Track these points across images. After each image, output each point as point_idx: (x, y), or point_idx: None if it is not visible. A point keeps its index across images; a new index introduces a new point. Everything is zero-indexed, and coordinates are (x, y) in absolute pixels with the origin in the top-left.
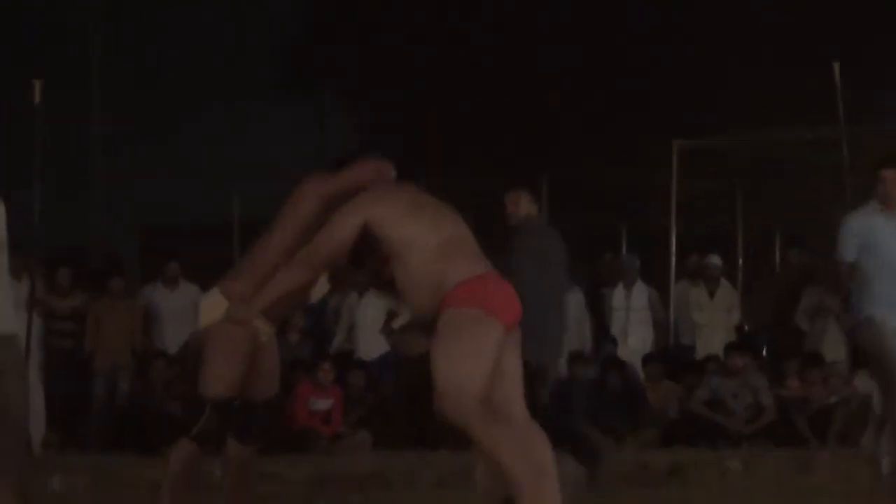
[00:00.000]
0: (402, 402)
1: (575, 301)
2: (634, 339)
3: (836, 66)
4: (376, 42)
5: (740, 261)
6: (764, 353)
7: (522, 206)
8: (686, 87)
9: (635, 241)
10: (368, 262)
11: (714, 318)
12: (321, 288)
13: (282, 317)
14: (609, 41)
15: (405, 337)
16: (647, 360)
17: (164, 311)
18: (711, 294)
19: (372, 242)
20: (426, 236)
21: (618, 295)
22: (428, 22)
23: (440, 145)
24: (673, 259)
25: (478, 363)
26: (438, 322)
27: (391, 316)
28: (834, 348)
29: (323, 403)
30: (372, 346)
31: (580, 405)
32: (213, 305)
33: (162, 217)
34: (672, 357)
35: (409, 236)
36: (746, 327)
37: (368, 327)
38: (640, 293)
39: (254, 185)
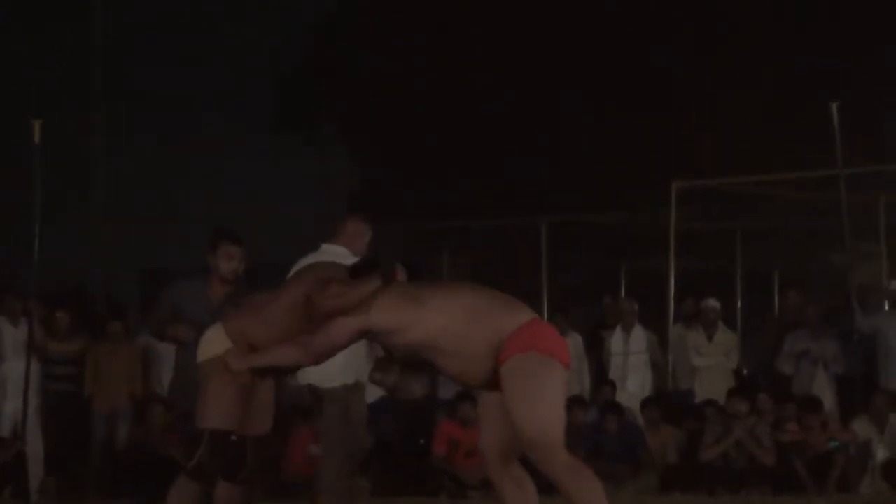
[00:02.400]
0: (401, 448)
1: (573, 344)
2: (633, 383)
3: (834, 107)
4: (375, 79)
5: (739, 303)
6: (763, 397)
7: None
8: (684, 128)
9: (634, 285)
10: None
11: (713, 362)
12: None
13: (281, 376)
14: (607, 83)
15: (402, 381)
16: (645, 404)
17: (163, 355)
18: (710, 337)
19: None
20: (449, 319)
21: (616, 339)
22: (428, 61)
23: (439, 187)
24: (671, 302)
25: (556, 408)
26: (502, 373)
27: (383, 362)
28: (823, 395)
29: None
30: (369, 390)
31: (578, 450)
32: (214, 340)
33: (162, 259)
34: (671, 401)
35: (435, 329)
36: (745, 371)
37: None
38: (639, 337)
39: (254, 227)
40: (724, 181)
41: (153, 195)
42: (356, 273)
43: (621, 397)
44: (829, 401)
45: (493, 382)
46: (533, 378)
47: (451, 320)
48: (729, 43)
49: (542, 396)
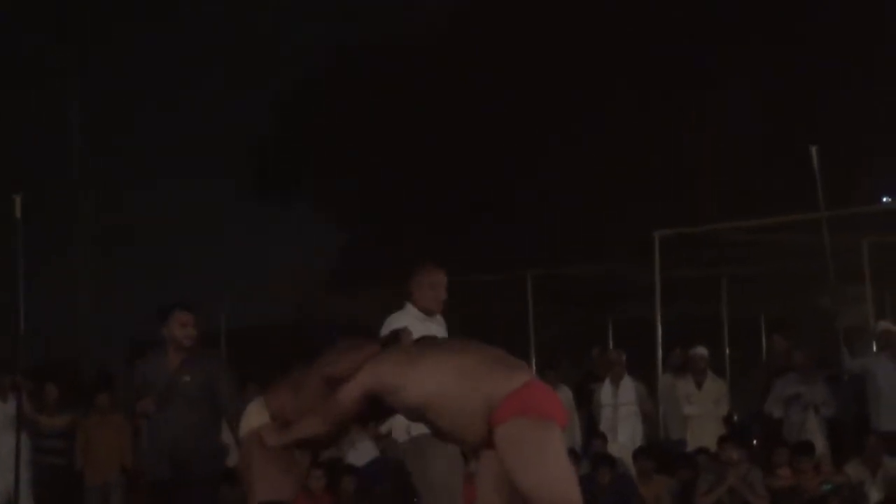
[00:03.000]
0: None
1: (563, 399)
2: (624, 434)
3: (815, 150)
4: (354, 144)
5: (727, 350)
6: (754, 442)
7: None
8: (666, 177)
9: (621, 335)
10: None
11: (703, 410)
12: None
13: (317, 450)
14: (589, 133)
15: (394, 441)
16: (637, 454)
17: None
18: (699, 385)
19: (386, 406)
20: (440, 380)
21: (605, 390)
22: (407, 122)
23: (420, 244)
24: (659, 351)
25: (564, 469)
26: (499, 440)
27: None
28: (814, 439)
29: None
30: (362, 451)
31: None
32: (253, 414)
33: (150, 329)
34: (663, 451)
35: (427, 390)
36: (736, 417)
37: (357, 433)
38: (628, 388)
39: (239, 293)
40: (707, 228)
41: (141, 265)
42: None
43: (613, 449)
44: (820, 444)
45: (489, 442)
46: (531, 444)
47: (441, 381)
48: (709, 89)
49: (546, 461)
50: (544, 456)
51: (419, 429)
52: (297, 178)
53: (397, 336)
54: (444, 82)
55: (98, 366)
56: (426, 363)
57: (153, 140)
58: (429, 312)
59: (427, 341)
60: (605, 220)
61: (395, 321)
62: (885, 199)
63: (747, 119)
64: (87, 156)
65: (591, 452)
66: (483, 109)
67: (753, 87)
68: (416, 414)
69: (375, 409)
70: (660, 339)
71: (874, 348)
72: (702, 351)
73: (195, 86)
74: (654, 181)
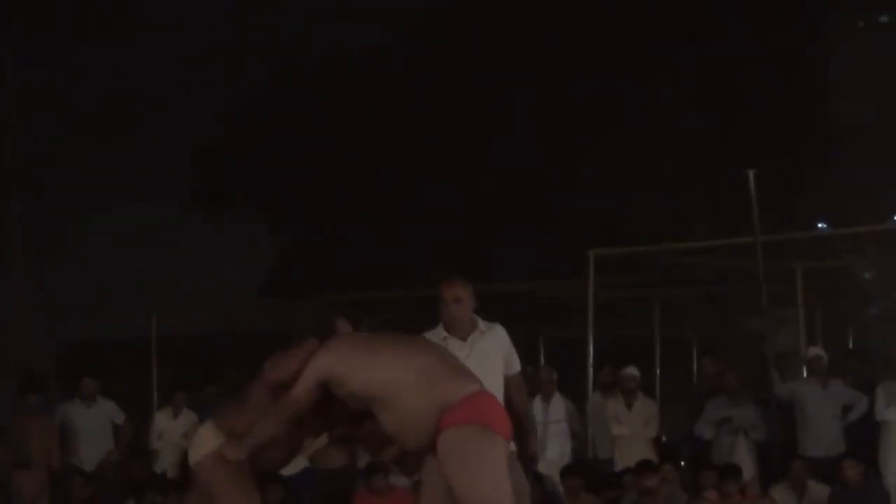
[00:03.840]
0: None
1: None
2: (553, 452)
3: (751, 174)
4: (293, 154)
5: (658, 371)
6: (682, 464)
7: None
8: (603, 197)
9: (553, 353)
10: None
11: (633, 430)
12: None
13: (279, 463)
14: (521, 151)
15: (323, 451)
16: (565, 472)
17: (80, 427)
18: (629, 406)
19: (340, 402)
20: (400, 373)
21: (536, 407)
22: (346, 132)
23: (358, 257)
24: (591, 370)
25: (500, 480)
26: (442, 444)
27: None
28: (743, 462)
29: None
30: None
31: None
32: (208, 438)
33: (80, 332)
34: (591, 470)
35: (382, 380)
36: (664, 438)
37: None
38: (558, 406)
39: (171, 299)
40: (642, 249)
41: (73, 267)
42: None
43: (541, 466)
44: (749, 468)
45: (431, 446)
46: (473, 452)
47: (401, 375)
48: (650, 110)
49: (484, 470)
50: (484, 465)
51: None
52: (236, 186)
53: (334, 329)
54: (380, 94)
55: (29, 369)
56: (387, 355)
57: (92, 147)
58: (450, 331)
59: (390, 335)
60: (540, 238)
61: None
62: (820, 226)
63: (686, 140)
64: (22, 155)
65: None
66: (416, 119)
67: (692, 110)
68: (364, 405)
69: (342, 408)
70: (591, 359)
71: (804, 373)
72: (632, 371)
73: (136, 91)
74: (592, 200)
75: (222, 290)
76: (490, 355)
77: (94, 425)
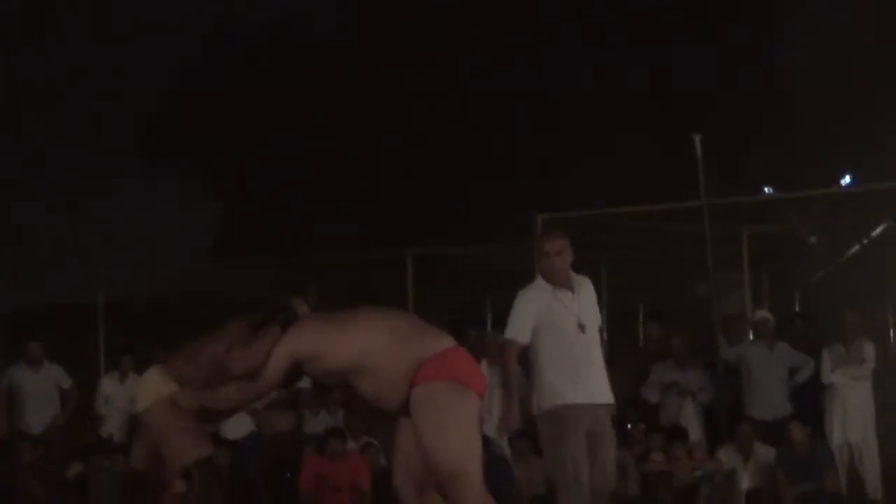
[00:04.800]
0: (268, 482)
1: None
2: (499, 415)
3: (697, 138)
4: (240, 118)
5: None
6: (629, 427)
7: None
8: (549, 160)
9: (500, 317)
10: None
11: None
12: None
13: (228, 415)
14: (470, 113)
15: (269, 415)
16: (513, 436)
17: (27, 392)
18: None
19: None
20: (373, 340)
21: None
22: (294, 98)
23: (304, 221)
24: None
25: (469, 437)
26: (413, 399)
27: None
28: (689, 425)
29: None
30: (237, 425)
31: None
32: (157, 382)
33: (26, 297)
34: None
35: (358, 351)
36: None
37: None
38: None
39: (119, 264)
40: (589, 213)
41: (19, 232)
42: (256, 329)
43: (489, 430)
44: (695, 431)
45: (406, 408)
46: (444, 407)
47: (373, 341)
48: (595, 74)
49: (454, 425)
50: (452, 421)
51: (552, 401)
52: (183, 149)
53: (293, 311)
54: (329, 58)
55: None
56: (356, 326)
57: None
58: (554, 283)
59: (349, 308)
60: (488, 201)
61: (523, 296)
62: (766, 190)
63: (631, 104)
64: None
65: None
66: (364, 82)
67: (639, 74)
68: (340, 378)
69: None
70: None
71: (750, 337)
72: None
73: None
74: (538, 164)
75: (169, 255)
76: (591, 306)
77: (40, 390)
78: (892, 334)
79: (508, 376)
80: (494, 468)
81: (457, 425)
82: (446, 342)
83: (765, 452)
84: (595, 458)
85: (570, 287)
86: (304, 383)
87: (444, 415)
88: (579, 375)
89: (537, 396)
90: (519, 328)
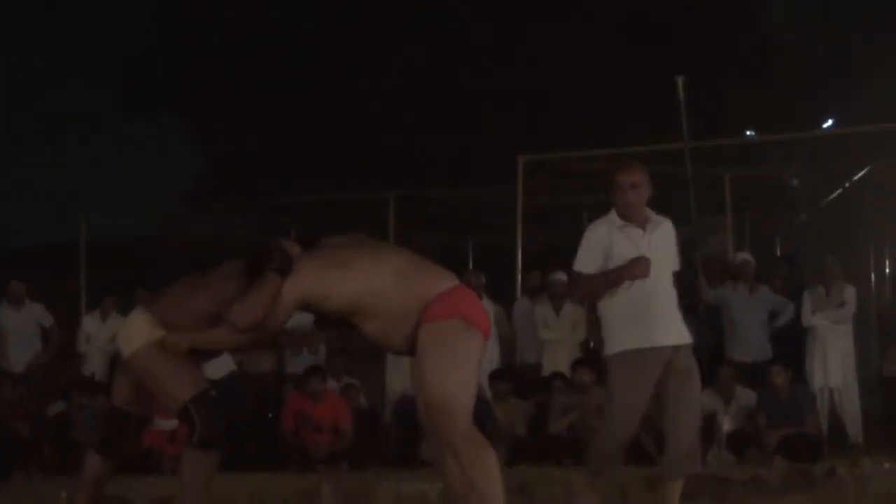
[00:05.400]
0: (249, 422)
1: None
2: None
3: (680, 81)
4: (220, 60)
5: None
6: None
7: None
8: (531, 103)
9: (481, 258)
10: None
11: (561, 335)
12: None
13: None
14: (452, 57)
15: (252, 355)
16: (493, 377)
17: (8, 330)
18: (557, 311)
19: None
20: (378, 280)
21: None
22: (273, 41)
23: (286, 163)
24: (519, 275)
25: (467, 375)
26: (420, 336)
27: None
28: None
29: (168, 423)
30: (219, 365)
31: None
32: (142, 327)
33: (8, 237)
34: (519, 374)
35: (362, 290)
36: (592, 343)
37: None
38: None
39: (100, 204)
40: (572, 155)
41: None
42: (251, 277)
43: None
44: None
45: (413, 347)
46: (448, 345)
47: (379, 280)
48: (579, 17)
49: (454, 362)
50: (453, 357)
51: (612, 345)
52: (165, 91)
53: (286, 254)
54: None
55: None
56: (362, 264)
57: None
58: (626, 218)
59: (354, 244)
60: (470, 143)
61: (590, 228)
62: (748, 133)
63: (615, 46)
64: None
65: None
66: (348, 26)
67: (622, 16)
68: (349, 317)
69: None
70: (520, 264)
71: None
72: (561, 276)
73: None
74: (522, 106)
75: (152, 196)
76: (664, 247)
77: (22, 328)
78: (872, 278)
79: (594, 288)
80: (475, 409)
81: (457, 363)
82: (450, 281)
83: (746, 395)
84: (675, 401)
85: (643, 224)
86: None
87: (447, 352)
88: (643, 318)
89: (605, 337)
90: (583, 259)
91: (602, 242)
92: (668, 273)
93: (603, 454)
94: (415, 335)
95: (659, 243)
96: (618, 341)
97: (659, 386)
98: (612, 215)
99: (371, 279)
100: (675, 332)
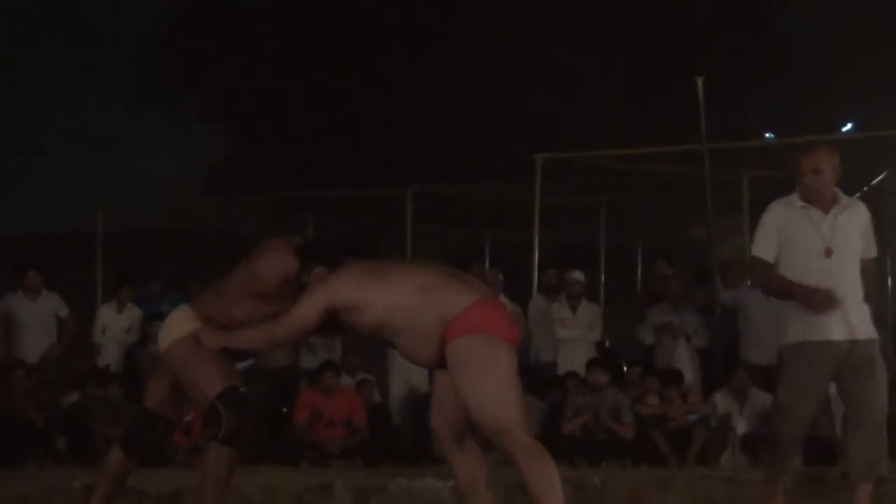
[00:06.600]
0: (263, 416)
1: None
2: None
3: (700, 82)
4: (242, 50)
5: (602, 276)
6: (625, 369)
7: None
8: (551, 100)
9: (498, 256)
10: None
11: (577, 334)
12: None
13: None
14: (473, 56)
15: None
16: None
17: (24, 320)
18: (574, 309)
19: (343, 324)
20: (402, 297)
21: None
22: (295, 32)
23: (306, 157)
24: (535, 273)
25: (505, 388)
26: (449, 355)
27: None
28: (684, 368)
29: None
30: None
31: None
32: (183, 321)
33: (24, 226)
34: (534, 373)
35: (387, 306)
36: (608, 343)
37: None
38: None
39: (116, 194)
40: (590, 154)
41: (18, 161)
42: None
43: None
44: (690, 374)
45: (443, 361)
46: (476, 361)
47: (404, 297)
48: (594, 17)
49: (488, 382)
50: (488, 375)
51: (787, 335)
52: (183, 82)
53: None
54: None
55: None
56: (393, 279)
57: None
58: (809, 201)
59: (390, 260)
60: (489, 140)
61: (770, 207)
62: (767, 135)
63: (634, 46)
64: None
65: None
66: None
67: (642, 16)
68: (373, 332)
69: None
70: (536, 262)
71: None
72: (578, 275)
73: None
74: (538, 105)
75: (168, 187)
76: (849, 232)
77: (37, 318)
78: (889, 281)
79: (766, 284)
80: None
81: (491, 382)
82: (473, 293)
83: (761, 398)
84: (854, 398)
85: (824, 208)
86: None
87: (477, 373)
88: None
89: (783, 325)
90: (760, 244)
91: (777, 219)
92: (855, 261)
93: (777, 450)
94: (441, 352)
95: (845, 227)
96: (793, 332)
97: (838, 382)
98: (793, 196)
99: (393, 296)
100: (854, 325)
